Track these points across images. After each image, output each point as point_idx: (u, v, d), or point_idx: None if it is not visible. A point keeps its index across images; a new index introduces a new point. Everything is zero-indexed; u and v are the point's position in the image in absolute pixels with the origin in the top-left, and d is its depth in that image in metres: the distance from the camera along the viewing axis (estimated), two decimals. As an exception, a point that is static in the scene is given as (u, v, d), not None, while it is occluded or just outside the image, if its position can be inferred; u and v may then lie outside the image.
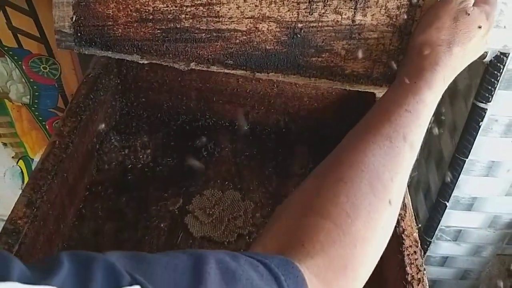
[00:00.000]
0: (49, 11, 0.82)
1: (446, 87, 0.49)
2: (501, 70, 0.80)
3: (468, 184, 0.99)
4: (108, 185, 0.72)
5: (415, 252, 0.51)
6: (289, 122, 0.79)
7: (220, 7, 0.55)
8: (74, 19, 0.55)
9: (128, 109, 0.83)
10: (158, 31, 0.56)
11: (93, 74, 0.70)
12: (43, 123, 1.03)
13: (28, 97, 0.98)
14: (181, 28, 0.56)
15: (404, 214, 0.55)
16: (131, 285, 0.24)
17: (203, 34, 0.57)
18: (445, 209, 1.04)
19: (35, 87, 0.96)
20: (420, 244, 0.54)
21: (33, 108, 1.00)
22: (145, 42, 0.57)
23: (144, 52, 0.57)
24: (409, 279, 0.49)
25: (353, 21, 0.55)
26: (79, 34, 0.56)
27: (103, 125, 0.74)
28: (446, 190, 1.01)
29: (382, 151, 0.40)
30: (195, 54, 0.57)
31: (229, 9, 0.55)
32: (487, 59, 0.79)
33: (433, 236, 1.10)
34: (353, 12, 0.54)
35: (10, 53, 0.91)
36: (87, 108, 0.67)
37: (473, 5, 0.50)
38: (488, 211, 1.05)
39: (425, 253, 1.17)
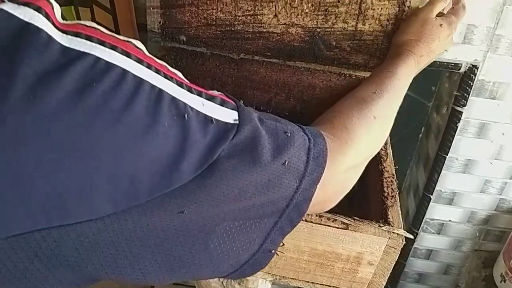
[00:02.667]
0: (125, 11, 1.08)
1: (417, 69, 0.71)
2: (473, 79, 0.99)
3: (448, 179, 1.15)
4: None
5: (391, 180, 0.75)
6: (303, 108, 0.96)
7: (262, 16, 0.80)
8: (161, 23, 0.82)
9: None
10: (219, 32, 0.82)
11: (159, 55, 0.95)
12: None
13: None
14: (235, 31, 0.81)
15: (386, 158, 0.79)
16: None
17: (250, 35, 0.82)
18: (429, 202, 1.19)
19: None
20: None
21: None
22: (210, 39, 0.83)
23: (209, 46, 0.84)
24: (386, 195, 0.72)
25: (356, 28, 0.78)
26: (164, 33, 0.83)
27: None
28: (431, 184, 1.17)
29: (371, 88, 0.64)
30: (244, 48, 0.82)
31: (269, 18, 0.80)
32: (462, 70, 0.98)
33: (419, 228, 1.25)
34: (356, 22, 0.77)
35: (86, 42, 1.15)
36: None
37: (436, 16, 0.73)
38: (466, 206, 1.20)
39: (412, 244, 1.30)
